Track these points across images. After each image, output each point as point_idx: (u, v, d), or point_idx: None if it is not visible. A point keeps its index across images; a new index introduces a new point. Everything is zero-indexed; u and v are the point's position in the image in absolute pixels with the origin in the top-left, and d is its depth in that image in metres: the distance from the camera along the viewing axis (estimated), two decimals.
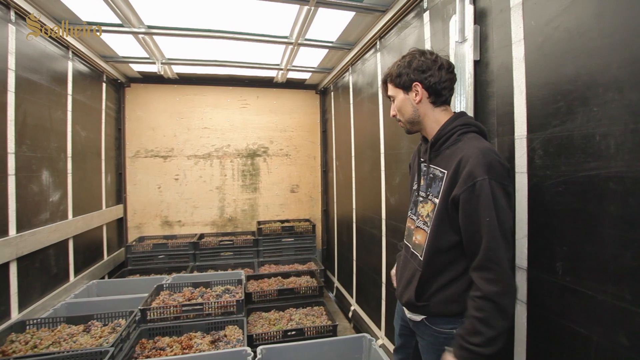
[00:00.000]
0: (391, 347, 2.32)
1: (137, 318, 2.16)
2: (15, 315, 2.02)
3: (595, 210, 1.03)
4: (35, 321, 2.01)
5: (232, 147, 4.08)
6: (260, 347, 1.87)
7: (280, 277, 3.33)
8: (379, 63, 2.54)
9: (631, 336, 0.94)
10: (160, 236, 3.91)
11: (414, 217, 1.35)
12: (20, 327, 1.96)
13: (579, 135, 1.07)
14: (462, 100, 1.56)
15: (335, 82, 3.70)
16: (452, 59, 1.59)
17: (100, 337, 1.92)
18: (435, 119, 1.27)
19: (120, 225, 3.73)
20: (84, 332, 1.98)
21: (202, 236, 3.98)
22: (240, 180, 4.15)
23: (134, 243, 3.62)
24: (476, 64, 1.49)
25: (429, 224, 1.23)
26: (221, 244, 3.72)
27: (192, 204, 4.02)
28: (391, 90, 1.31)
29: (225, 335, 2.20)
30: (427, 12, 1.92)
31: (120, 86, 3.71)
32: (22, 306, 2.08)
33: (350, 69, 3.14)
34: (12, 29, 2.01)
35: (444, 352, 1.15)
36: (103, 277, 3.19)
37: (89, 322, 2.06)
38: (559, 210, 1.15)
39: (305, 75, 3.87)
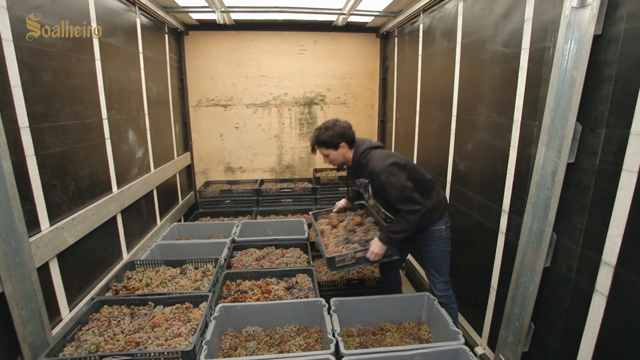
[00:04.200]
0: None
1: (221, 263, 2.48)
2: (125, 256, 2.42)
3: None
4: (141, 262, 2.39)
5: (289, 95, 4.05)
6: (333, 299, 2.11)
7: None
8: (460, 13, 2.26)
9: None
10: (224, 181, 4.22)
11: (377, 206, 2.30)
12: (131, 266, 2.35)
13: None
14: (567, 79, 1.39)
15: (402, 28, 3.38)
16: (562, 28, 1.39)
17: (196, 281, 2.26)
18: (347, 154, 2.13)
19: (188, 171, 4.05)
20: (181, 274, 2.34)
21: (262, 182, 4.24)
22: (298, 128, 4.19)
23: (202, 188, 3.97)
24: (595, 38, 1.29)
25: (382, 207, 2.19)
26: (281, 191, 3.95)
27: (252, 152, 4.20)
28: (324, 150, 2.10)
29: (297, 282, 2.47)
30: None
31: (179, 35, 3.70)
32: (128, 248, 2.48)
33: (422, 15, 2.83)
34: None
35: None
36: (180, 220, 3.60)
37: (184, 266, 2.41)
38: None
39: (368, 19, 3.56)
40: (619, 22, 1.21)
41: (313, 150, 2.15)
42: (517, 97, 1.77)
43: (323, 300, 2.11)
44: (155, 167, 2.96)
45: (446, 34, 2.49)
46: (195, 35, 3.78)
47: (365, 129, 4.32)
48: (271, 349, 1.93)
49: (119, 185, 2.34)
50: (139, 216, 2.66)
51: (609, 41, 1.25)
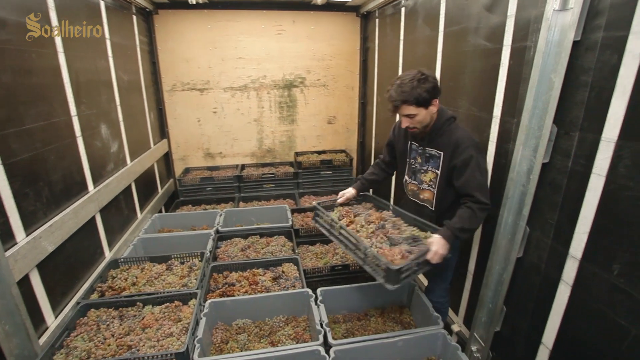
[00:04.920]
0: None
1: (207, 256, 2.50)
2: (108, 254, 2.38)
3: None
4: (125, 259, 2.36)
5: (268, 78, 3.93)
6: (319, 289, 2.18)
7: None
8: (444, 0, 2.22)
9: None
10: (204, 167, 4.14)
11: (415, 182, 1.98)
12: (114, 264, 2.32)
13: None
14: (545, 81, 1.43)
15: (383, 9, 3.29)
16: (543, 30, 1.41)
17: (183, 277, 2.27)
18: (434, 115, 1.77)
19: (166, 158, 3.93)
20: (167, 270, 2.34)
21: (243, 167, 4.19)
22: (278, 112, 4.11)
23: (182, 176, 3.88)
24: (574, 44, 1.32)
25: (433, 186, 1.86)
26: (263, 177, 3.93)
27: (231, 137, 4.11)
28: (412, 110, 1.69)
29: (284, 272, 2.53)
30: None
31: (148, 15, 3.45)
32: (110, 245, 2.44)
33: None
34: None
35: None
36: (160, 210, 3.54)
37: (169, 262, 2.41)
38: (632, 222, 1.17)
39: None
40: (598, 30, 1.23)
41: (395, 110, 1.74)
42: (497, 94, 1.80)
43: (310, 291, 2.18)
44: (131, 160, 2.86)
45: (429, 21, 2.45)
46: (166, 14, 3.54)
47: (346, 112, 4.29)
48: (261, 340, 2.00)
49: (95, 183, 2.26)
50: (118, 212, 2.59)
51: (587, 48, 1.28)
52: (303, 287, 2.29)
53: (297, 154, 4.30)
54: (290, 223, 3.11)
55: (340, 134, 4.41)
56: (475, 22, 1.94)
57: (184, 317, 1.89)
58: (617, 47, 1.16)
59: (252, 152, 4.25)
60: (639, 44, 1.10)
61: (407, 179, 2.05)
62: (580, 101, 1.33)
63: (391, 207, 2.14)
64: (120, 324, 1.79)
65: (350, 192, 2.23)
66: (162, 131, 3.83)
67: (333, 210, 2.21)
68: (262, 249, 2.86)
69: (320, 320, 1.93)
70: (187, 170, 4.07)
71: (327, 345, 1.80)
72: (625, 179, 1.18)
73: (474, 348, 2.05)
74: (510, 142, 1.73)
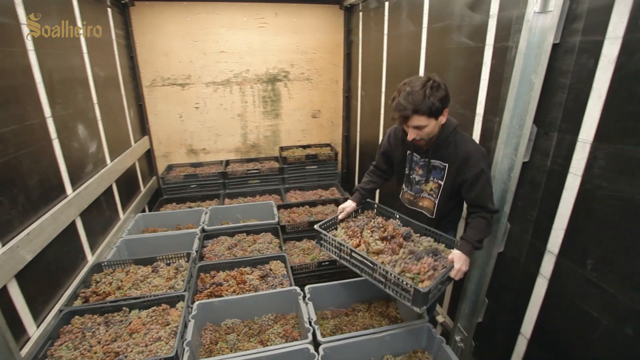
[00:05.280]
0: None
1: (194, 257, 2.47)
2: (90, 258, 2.32)
3: None
4: (108, 262, 2.31)
5: (251, 72, 3.86)
6: (307, 287, 2.20)
7: (307, 206, 3.59)
8: None
9: (637, 330, 1.15)
10: (187, 164, 4.07)
11: (412, 192, 1.90)
12: (98, 268, 2.27)
13: None
14: (526, 82, 1.46)
15: (366, 3, 3.26)
16: (524, 31, 1.43)
17: (170, 279, 2.24)
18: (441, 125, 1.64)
19: (148, 156, 3.84)
20: (153, 272, 2.30)
21: (227, 163, 4.14)
22: (262, 106, 4.05)
23: (165, 173, 3.80)
24: (554, 46, 1.34)
25: (434, 196, 1.78)
26: (248, 173, 3.89)
27: (214, 132, 4.04)
28: (423, 120, 1.52)
29: (271, 270, 2.54)
30: None
31: (124, 7, 3.31)
32: (92, 248, 2.38)
33: None
34: None
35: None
36: (144, 209, 3.47)
37: (155, 263, 2.37)
38: (605, 220, 1.23)
39: None
40: (576, 33, 1.26)
41: (404, 121, 1.57)
42: (480, 92, 1.83)
43: (298, 289, 2.20)
44: (112, 159, 2.78)
45: (413, 16, 2.44)
46: (142, 6, 3.41)
47: (330, 106, 4.28)
48: (251, 340, 2.01)
49: (74, 186, 2.19)
50: (99, 214, 2.53)
51: (566, 51, 1.31)
52: (291, 285, 2.31)
53: (281, 148, 4.27)
54: (276, 220, 3.11)
55: (324, 127, 4.39)
56: (458, 20, 1.95)
57: (172, 320, 1.88)
58: (594, 52, 1.20)
59: (237, 147, 4.19)
60: (614, 50, 1.13)
61: (404, 188, 1.95)
62: (559, 103, 1.36)
63: (398, 216, 1.99)
64: (107, 331, 1.77)
65: (350, 205, 2.01)
66: (143, 128, 3.73)
67: (336, 228, 2.00)
68: (249, 246, 2.86)
69: (308, 318, 1.96)
70: (170, 168, 3.99)
71: (316, 343, 1.83)
72: (600, 179, 1.23)
73: (457, 338, 2.13)
74: (493, 140, 1.76)
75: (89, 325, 1.79)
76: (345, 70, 4.07)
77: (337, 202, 3.66)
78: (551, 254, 1.47)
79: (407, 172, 1.87)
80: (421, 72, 2.38)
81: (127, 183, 3.15)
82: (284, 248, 2.85)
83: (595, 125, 1.22)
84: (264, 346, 1.94)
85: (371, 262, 1.63)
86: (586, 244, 1.31)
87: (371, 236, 1.83)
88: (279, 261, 2.60)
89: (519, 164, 1.55)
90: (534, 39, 1.39)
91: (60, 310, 1.84)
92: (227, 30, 3.66)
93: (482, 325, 1.95)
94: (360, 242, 1.81)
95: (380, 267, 1.59)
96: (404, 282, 1.49)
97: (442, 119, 1.58)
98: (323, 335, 1.92)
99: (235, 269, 2.54)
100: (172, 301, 2.01)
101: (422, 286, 1.48)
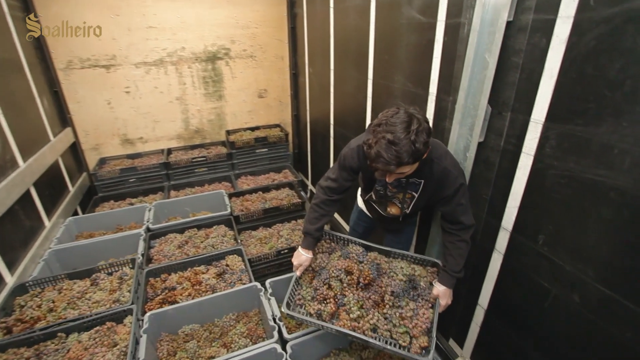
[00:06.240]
0: None
1: (140, 262, 2.24)
2: (9, 279, 1.99)
3: (589, 208, 1.17)
4: (35, 281, 2.01)
5: (187, 50, 3.47)
6: (268, 281, 2.10)
7: (260, 192, 3.44)
8: None
9: (582, 297, 1.24)
10: (123, 156, 3.65)
11: (380, 199, 1.75)
12: (21, 290, 1.96)
13: (598, 143, 1.10)
14: (480, 61, 1.43)
15: None
16: (478, 7, 1.38)
17: (113, 291, 2.01)
18: None
19: (74, 150, 3.35)
20: (93, 286, 2.05)
21: (169, 152, 3.79)
22: (203, 88, 3.71)
23: (97, 169, 3.38)
24: (508, 24, 1.31)
25: (404, 204, 1.67)
26: (194, 161, 3.61)
27: (151, 119, 3.64)
28: (407, 168, 1.33)
29: (228, 265, 2.39)
30: None
31: None
32: (11, 268, 2.03)
33: None
34: None
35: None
36: (76, 212, 3.07)
37: (94, 275, 2.10)
38: (556, 197, 1.27)
39: None
40: (528, 11, 1.23)
41: (384, 175, 1.40)
42: (432, 70, 1.78)
43: (259, 285, 2.10)
44: (25, 159, 2.36)
45: None
46: None
47: (277, 84, 4.05)
48: (213, 344, 1.90)
49: None
50: (16, 226, 2.15)
51: (519, 29, 1.28)
52: (251, 281, 2.20)
53: (228, 132, 4.00)
54: (229, 210, 2.94)
55: (272, 107, 4.18)
56: None
57: (120, 340, 1.69)
58: (546, 31, 1.18)
59: (178, 134, 3.84)
60: (565, 29, 1.12)
61: (373, 196, 1.77)
62: (512, 82, 1.35)
63: (358, 242, 1.85)
64: None
65: (305, 258, 1.74)
66: (63, 118, 3.22)
67: (300, 286, 1.76)
68: (202, 242, 2.68)
69: (272, 315, 1.88)
70: (102, 161, 3.55)
71: (282, 340, 1.77)
72: (551, 159, 1.26)
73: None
74: (446, 120, 1.75)
75: None
76: (290, 45, 3.84)
77: (291, 185, 3.55)
78: (505, 231, 1.52)
79: (377, 187, 1.69)
80: (371, 49, 2.28)
81: (51, 184, 2.73)
82: (239, 240, 2.71)
83: (547, 106, 1.23)
84: (227, 350, 1.84)
85: (364, 339, 1.47)
86: (538, 220, 1.36)
87: (342, 286, 1.66)
88: (235, 255, 2.46)
89: (474, 144, 1.55)
90: (487, 16, 1.34)
91: None
92: (154, 3, 3.21)
93: None
94: (335, 306, 1.61)
95: (375, 344, 1.46)
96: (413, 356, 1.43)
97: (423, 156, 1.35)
98: (289, 331, 1.87)
99: (189, 269, 2.36)
100: (118, 317, 1.80)
101: (417, 344, 1.47)
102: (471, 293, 1.79)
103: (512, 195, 1.46)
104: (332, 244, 1.90)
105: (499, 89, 1.41)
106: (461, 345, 1.94)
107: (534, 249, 1.40)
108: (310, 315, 1.62)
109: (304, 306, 1.67)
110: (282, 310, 1.65)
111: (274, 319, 1.85)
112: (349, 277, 1.68)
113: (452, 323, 2.00)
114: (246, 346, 1.81)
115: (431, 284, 1.68)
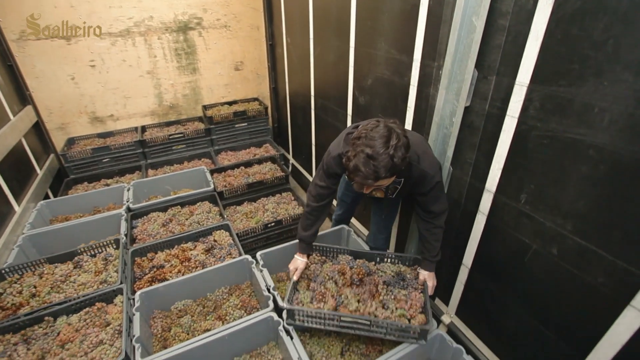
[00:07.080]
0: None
1: (124, 242, 2.18)
2: None
3: (568, 166, 1.23)
4: (11, 267, 1.91)
5: (156, 19, 3.24)
6: (259, 253, 2.11)
7: (243, 167, 3.39)
8: None
9: (560, 250, 1.33)
10: (93, 135, 3.45)
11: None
12: None
13: (580, 102, 1.15)
14: (467, 24, 1.43)
15: None
16: None
17: (99, 272, 1.95)
18: None
19: (38, 130, 3.12)
20: (77, 269, 1.98)
21: (144, 129, 3.62)
22: (175, 61, 3.51)
23: (65, 149, 3.18)
24: None
25: (388, 192, 1.79)
26: (171, 138, 3.47)
27: (122, 94, 3.43)
28: (385, 181, 1.40)
29: (216, 241, 2.37)
30: None
31: None
32: None
33: None
34: None
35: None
36: (47, 195, 2.91)
37: (76, 258, 2.03)
38: (538, 158, 1.33)
39: None
40: None
41: (373, 182, 1.37)
42: (417, 36, 1.76)
43: (249, 257, 2.11)
44: None
45: None
46: None
47: (254, 55, 3.90)
48: (208, 318, 1.91)
49: None
50: None
51: None
52: (241, 254, 2.20)
53: (205, 107, 3.86)
54: (212, 186, 2.88)
55: (250, 80, 4.04)
56: None
57: (112, 319, 1.66)
58: None
59: (152, 110, 3.65)
60: None
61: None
62: (498, 45, 1.37)
63: (347, 251, 2.03)
64: (29, 349, 1.49)
65: (301, 262, 1.86)
66: (22, 96, 2.97)
67: (298, 291, 1.83)
68: (187, 219, 2.63)
69: (266, 285, 1.91)
70: (71, 141, 3.34)
71: (277, 309, 1.81)
72: (534, 120, 1.31)
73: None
74: (431, 86, 1.76)
75: (1, 349, 1.48)
76: (266, 14, 3.66)
77: (274, 159, 3.51)
78: (489, 193, 1.59)
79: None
80: (352, 17, 2.22)
81: (16, 167, 2.56)
82: (225, 215, 2.68)
83: (532, 68, 1.26)
84: (223, 322, 1.87)
85: (367, 319, 1.56)
86: (520, 180, 1.42)
87: (337, 288, 1.79)
88: (222, 230, 2.45)
89: (461, 109, 1.58)
90: None
91: None
92: None
93: None
94: (335, 302, 1.69)
95: (379, 321, 1.56)
96: (411, 331, 1.57)
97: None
98: (283, 300, 1.91)
99: (176, 247, 2.33)
100: (108, 297, 1.77)
101: (415, 322, 1.60)
102: (455, 253, 1.88)
103: (496, 158, 1.51)
104: (323, 257, 2.06)
105: (485, 52, 1.42)
106: (447, 303, 2.06)
107: (516, 208, 1.48)
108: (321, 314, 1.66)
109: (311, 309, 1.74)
110: (285, 306, 1.69)
111: (268, 289, 1.88)
112: (342, 277, 1.83)
113: (438, 284, 2.10)
114: (241, 317, 1.84)
115: (417, 274, 1.88)
